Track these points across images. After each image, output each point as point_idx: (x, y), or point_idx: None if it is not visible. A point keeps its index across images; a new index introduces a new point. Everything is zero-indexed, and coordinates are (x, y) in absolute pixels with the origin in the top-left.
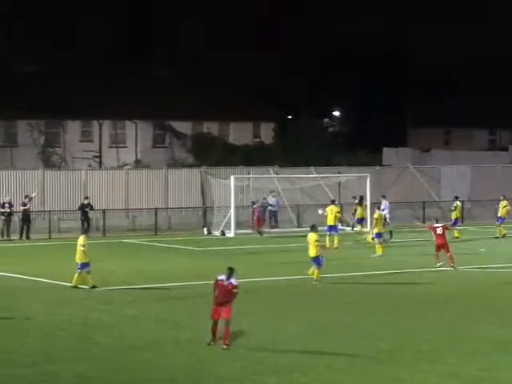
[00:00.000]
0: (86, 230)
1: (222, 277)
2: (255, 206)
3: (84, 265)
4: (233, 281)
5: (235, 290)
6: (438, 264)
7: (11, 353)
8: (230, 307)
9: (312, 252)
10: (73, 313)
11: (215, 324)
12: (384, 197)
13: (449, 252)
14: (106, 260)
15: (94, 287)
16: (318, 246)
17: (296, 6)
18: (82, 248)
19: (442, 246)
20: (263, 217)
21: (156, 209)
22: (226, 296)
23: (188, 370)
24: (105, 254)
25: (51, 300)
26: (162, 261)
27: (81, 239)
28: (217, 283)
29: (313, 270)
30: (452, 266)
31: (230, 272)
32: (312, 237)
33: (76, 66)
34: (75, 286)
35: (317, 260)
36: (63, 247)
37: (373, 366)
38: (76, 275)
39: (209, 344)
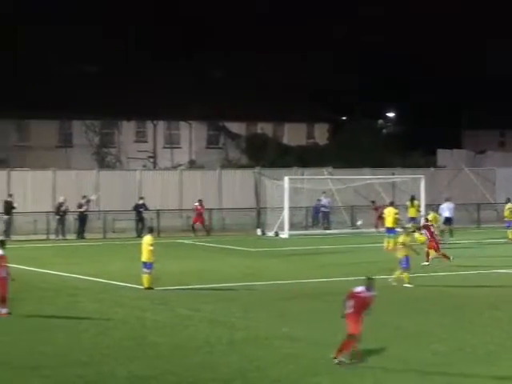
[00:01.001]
0: (151, 230)
1: (361, 288)
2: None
3: (151, 264)
4: (372, 292)
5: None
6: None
7: (67, 352)
8: (360, 321)
9: (399, 253)
10: (127, 313)
11: (354, 339)
12: (448, 199)
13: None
14: (161, 260)
15: (149, 288)
16: (402, 247)
17: (348, 5)
18: (151, 247)
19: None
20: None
21: (210, 209)
22: (362, 309)
23: (242, 371)
24: (159, 254)
25: (106, 300)
26: (215, 261)
27: (148, 239)
28: (353, 295)
29: (400, 272)
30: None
31: (370, 282)
32: (401, 238)
33: (131, 67)
34: (149, 288)
35: (403, 261)
36: (118, 247)
37: (428, 369)
38: (146, 276)
39: (349, 363)
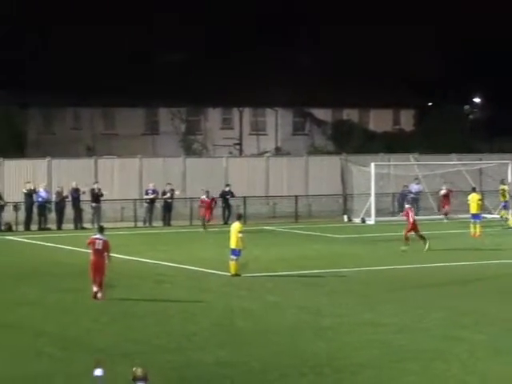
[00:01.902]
0: (240, 217)
1: None
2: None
3: (239, 251)
4: None
5: None
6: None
7: (155, 338)
8: None
9: None
10: (215, 299)
11: None
12: None
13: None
14: (247, 247)
15: (236, 275)
16: None
17: None
18: (240, 234)
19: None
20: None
21: (296, 196)
22: None
23: (328, 357)
24: (246, 240)
25: (193, 286)
26: (302, 248)
27: (237, 225)
28: None
29: None
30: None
31: None
32: None
33: (216, 54)
34: (236, 275)
35: None
36: (204, 234)
37: None
38: (233, 262)
39: None
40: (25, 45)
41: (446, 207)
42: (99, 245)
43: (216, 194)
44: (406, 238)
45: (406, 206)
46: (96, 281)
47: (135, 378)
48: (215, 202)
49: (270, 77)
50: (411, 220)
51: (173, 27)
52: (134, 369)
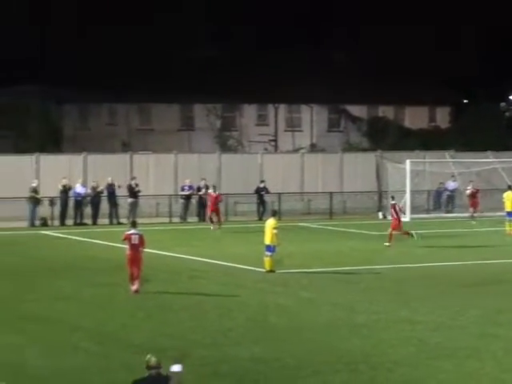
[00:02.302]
0: (275, 213)
1: None
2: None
3: (274, 247)
4: None
5: None
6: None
7: (190, 333)
8: None
9: None
10: (249, 295)
11: None
12: None
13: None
14: (282, 244)
15: (271, 271)
16: None
17: None
18: (275, 231)
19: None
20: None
21: (331, 193)
22: None
23: (364, 355)
24: (280, 237)
25: (228, 282)
26: (336, 244)
27: (272, 222)
28: None
29: None
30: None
31: None
32: None
33: (252, 50)
34: (271, 271)
35: None
36: (239, 230)
37: None
38: (267, 259)
39: None
40: (62, 42)
41: (473, 208)
42: (135, 239)
43: (251, 190)
44: (391, 236)
45: (392, 202)
46: (133, 275)
47: (149, 367)
48: (220, 199)
49: (306, 74)
50: (396, 217)
51: (210, 23)
52: (148, 357)
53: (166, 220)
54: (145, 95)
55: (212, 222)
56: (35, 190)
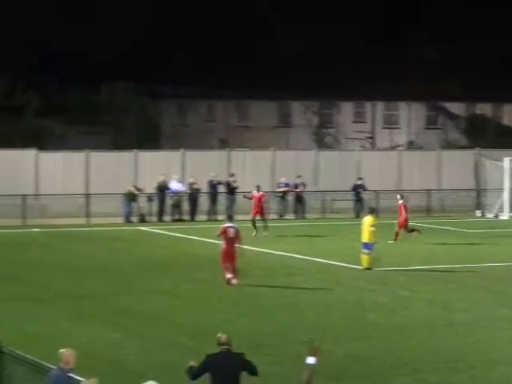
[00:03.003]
0: (372, 210)
1: None
2: None
3: (371, 245)
4: None
5: None
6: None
7: (287, 331)
8: None
9: None
10: (346, 293)
11: None
12: None
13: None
14: (379, 241)
15: (368, 269)
16: None
17: None
18: (373, 228)
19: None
20: None
21: (428, 190)
22: None
23: (463, 353)
24: (378, 234)
25: (324, 279)
26: (434, 242)
27: (369, 219)
28: None
29: None
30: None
31: None
32: None
33: (348, 47)
34: (368, 268)
35: None
36: (336, 227)
37: None
38: (365, 256)
39: None
40: (162, 40)
41: None
42: (232, 233)
43: (348, 187)
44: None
45: (400, 201)
46: (228, 267)
47: (220, 343)
48: (265, 199)
49: (402, 70)
50: (404, 216)
51: (300, 20)
52: (219, 335)
53: None
54: (243, 92)
55: (255, 226)
56: (135, 187)
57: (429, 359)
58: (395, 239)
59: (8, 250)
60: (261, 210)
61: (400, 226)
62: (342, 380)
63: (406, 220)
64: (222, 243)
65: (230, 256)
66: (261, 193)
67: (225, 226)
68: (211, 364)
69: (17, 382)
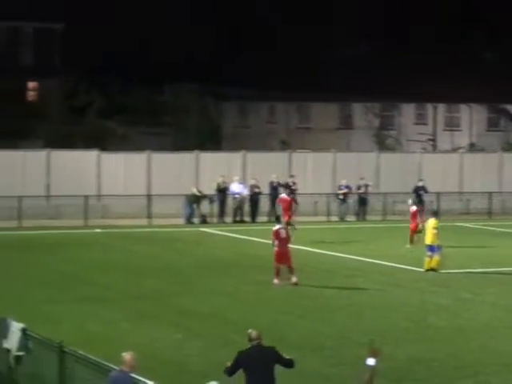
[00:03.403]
0: (435, 213)
1: None
2: None
3: (436, 247)
4: None
5: None
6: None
7: (347, 333)
8: None
9: None
10: (407, 295)
11: None
12: None
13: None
14: (441, 243)
15: (431, 270)
16: None
17: None
18: (435, 231)
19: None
20: None
21: (490, 192)
22: None
23: None
24: (439, 237)
25: (385, 281)
26: (496, 245)
27: (432, 222)
28: None
29: None
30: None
31: None
32: None
33: (411, 49)
34: (430, 269)
35: None
36: (397, 229)
37: None
38: (427, 259)
39: None
40: (222, 42)
41: None
42: (283, 233)
43: (409, 189)
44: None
45: (413, 208)
46: (281, 269)
47: (251, 339)
48: (295, 202)
49: (464, 72)
50: (417, 221)
51: (364, 20)
52: (249, 331)
53: (324, 219)
54: (304, 94)
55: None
56: (198, 190)
57: (489, 362)
58: (411, 243)
59: (70, 250)
60: (290, 216)
61: (413, 230)
62: (403, 382)
63: (417, 225)
64: (275, 245)
65: (284, 257)
66: (291, 196)
67: (275, 228)
68: (243, 360)
69: (79, 381)
